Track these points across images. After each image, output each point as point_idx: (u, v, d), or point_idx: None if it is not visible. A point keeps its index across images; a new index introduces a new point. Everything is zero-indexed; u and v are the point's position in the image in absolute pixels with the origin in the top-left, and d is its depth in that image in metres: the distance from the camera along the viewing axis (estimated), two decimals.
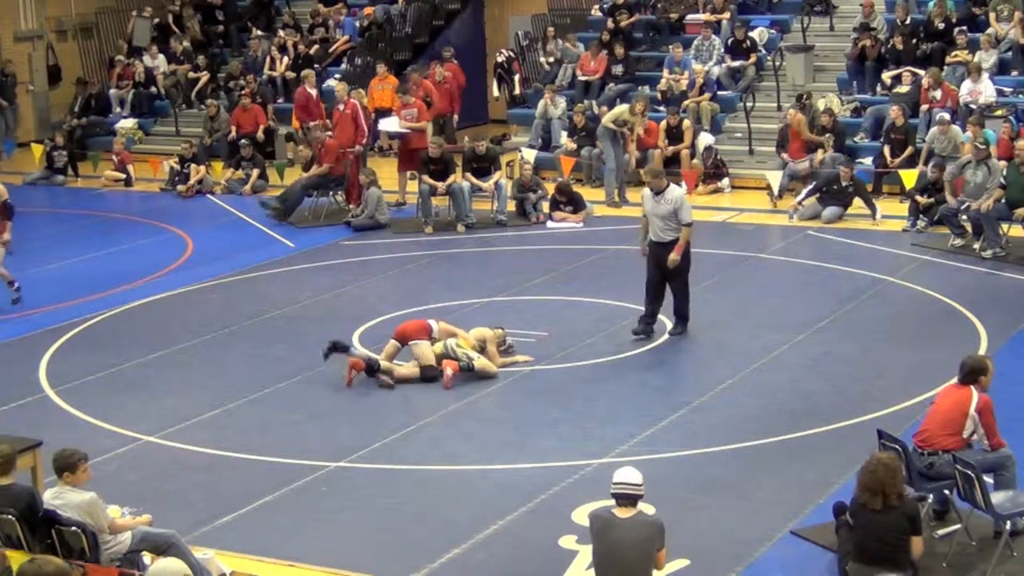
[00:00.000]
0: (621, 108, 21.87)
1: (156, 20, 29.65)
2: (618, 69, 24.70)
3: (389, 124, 22.42)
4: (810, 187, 20.10)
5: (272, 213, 21.03)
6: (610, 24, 25.64)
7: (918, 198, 19.13)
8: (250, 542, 10.07)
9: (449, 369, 13.26)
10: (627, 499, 8.23)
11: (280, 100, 26.81)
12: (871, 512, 8.58)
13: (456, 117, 25.61)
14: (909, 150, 20.70)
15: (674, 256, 14.26)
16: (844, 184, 19.69)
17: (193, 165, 23.62)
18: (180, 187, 23.38)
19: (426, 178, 20.23)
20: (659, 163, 20.53)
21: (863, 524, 8.66)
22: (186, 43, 28.80)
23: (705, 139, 22.62)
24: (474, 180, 20.49)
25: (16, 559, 8.30)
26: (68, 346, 15.12)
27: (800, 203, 19.97)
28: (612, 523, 8.22)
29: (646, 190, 14.69)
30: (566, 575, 9.39)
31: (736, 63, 24.13)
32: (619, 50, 24.80)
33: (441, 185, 20.20)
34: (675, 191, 14.44)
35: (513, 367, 13.76)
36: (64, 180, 25.08)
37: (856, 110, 22.87)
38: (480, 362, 13.43)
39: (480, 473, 11.34)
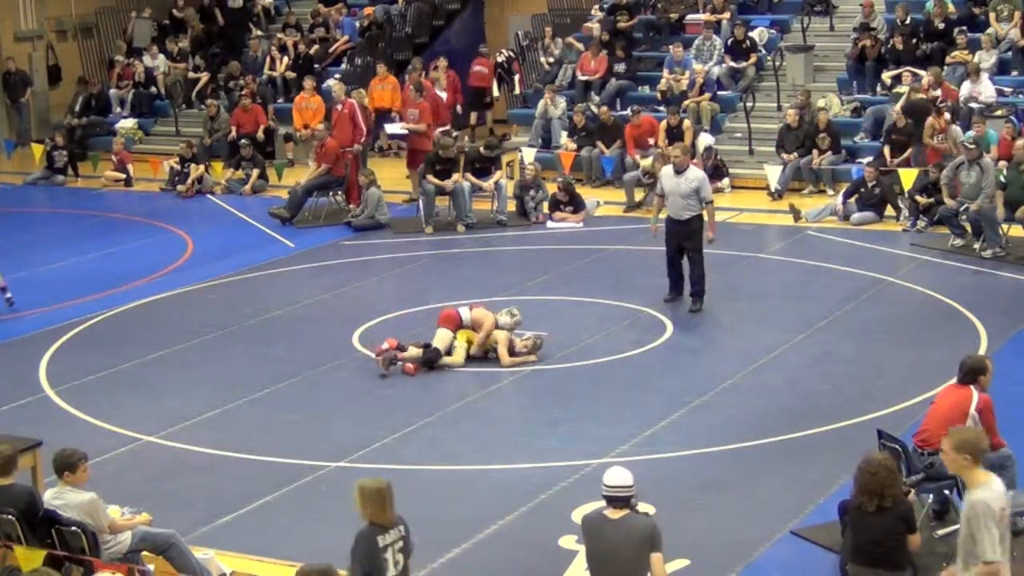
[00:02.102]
0: (646, 162, 21.47)
1: (161, 20, 29.66)
2: (620, 67, 24.72)
3: (393, 127, 22.53)
4: (844, 191, 20.06)
5: (281, 221, 20.91)
6: (597, 25, 25.65)
7: (918, 198, 19.13)
8: (250, 542, 10.08)
9: (410, 366, 13.63)
10: (619, 501, 8.23)
11: (280, 100, 26.81)
12: (865, 514, 8.56)
13: (490, 114, 26.03)
14: (910, 151, 20.68)
15: (711, 235, 15.36)
16: (870, 185, 19.66)
17: (192, 165, 23.62)
18: (180, 187, 23.38)
19: (431, 178, 20.19)
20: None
21: (858, 526, 8.65)
22: (185, 43, 28.79)
23: (705, 139, 22.59)
24: (474, 180, 20.48)
25: (24, 557, 8.32)
26: (68, 346, 15.13)
27: (843, 204, 19.83)
28: (604, 524, 8.20)
29: (666, 169, 15.55)
30: (566, 575, 9.40)
31: (736, 62, 24.14)
32: (619, 52, 24.82)
33: (449, 183, 20.13)
34: (696, 171, 15.52)
35: (513, 367, 13.77)
36: (64, 180, 25.07)
37: (856, 110, 22.87)
38: (447, 359, 13.76)
39: (480, 473, 11.35)
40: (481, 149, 20.89)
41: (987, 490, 7.28)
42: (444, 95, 23.95)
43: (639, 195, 20.90)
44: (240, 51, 28.33)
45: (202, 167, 23.69)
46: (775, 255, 18.38)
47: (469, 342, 13.92)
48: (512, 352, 13.87)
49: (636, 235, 18.82)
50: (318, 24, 28.46)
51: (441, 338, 13.86)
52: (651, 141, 22.22)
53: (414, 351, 13.77)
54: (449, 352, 13.83)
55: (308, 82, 24.12)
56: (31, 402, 13.30)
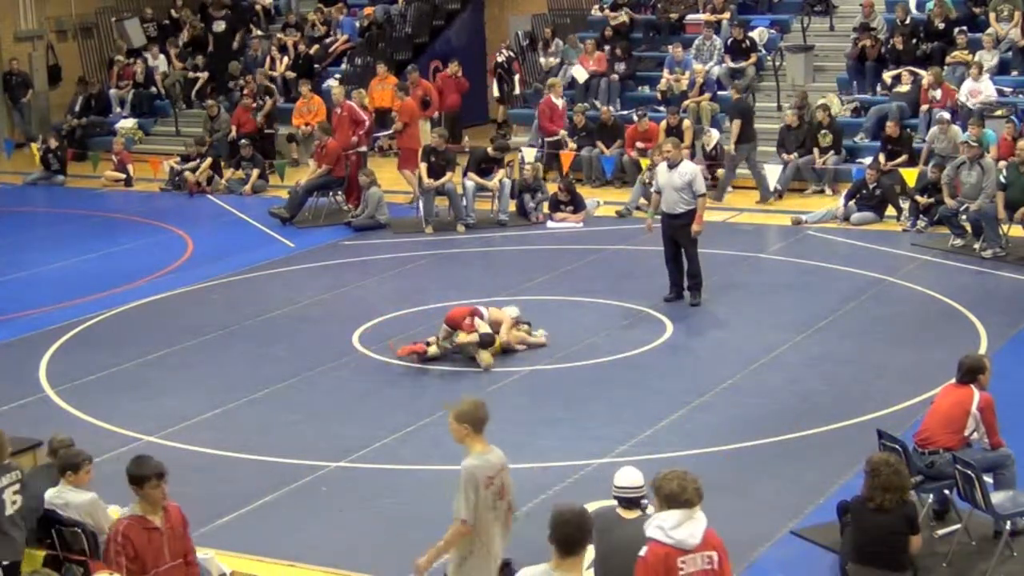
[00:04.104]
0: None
1: (161, 20, 29.65)
2: (620, 67, 24.72)
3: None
4: (846, 192, 20.06)
5: (281, 221, 20.93)
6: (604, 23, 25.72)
7: (918, 198, 19.13)
8: (250, 542, 10.08)
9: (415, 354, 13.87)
10: (628, 501, 8.22)
11: (280, 100, 26.79)
12: (870, 513, 8.57)
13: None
14: (904, 157, 20.59)
15: (696, 227, 15.30)
16: (871, 186, 19.66)
17: (201, 160, 23.69)
18: (189, 175, 23.35)
19: (423, 171, 20.10)
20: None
21: (862, 525, 8.65)
22: (184, 44, 28.79)
23: (714, 135, 22.39)
24: (479, 180, 20.46)
25: (31, 558, 8.34)
26: (68, 346, 15.13)
27: (845, 206, 19.81)
28: (615, 523, 8.21)
29: (661, 164, 15.72)
30: None
31: (736, 62, 24.13)
32: (618, 51, 24.85)
33: (435, 182, 20.02)
34: (689, 164, 15.78)
35: (514, 367, 13.77)
36: (64, 180, 25.10)
37: (856, 110, 22.86)
38: (481, 354, 13.83)
39: None
40: (489, 150, 20.89)
41: (478, 459, 7.85)
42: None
43: (642, 201, 20.88)
44: (242, 53, 28.30)
45: (209, 159, 23.68)
46: (775, 255, 18.38)
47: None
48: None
49: (636, 235, 18.82)
50: (321, 22, 28.40)
51: (495, 319, 14.08)
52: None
53: (466, 337, 13.85)
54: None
55: (304, 87, 24.19)
56: (31, 402, 13.30)
